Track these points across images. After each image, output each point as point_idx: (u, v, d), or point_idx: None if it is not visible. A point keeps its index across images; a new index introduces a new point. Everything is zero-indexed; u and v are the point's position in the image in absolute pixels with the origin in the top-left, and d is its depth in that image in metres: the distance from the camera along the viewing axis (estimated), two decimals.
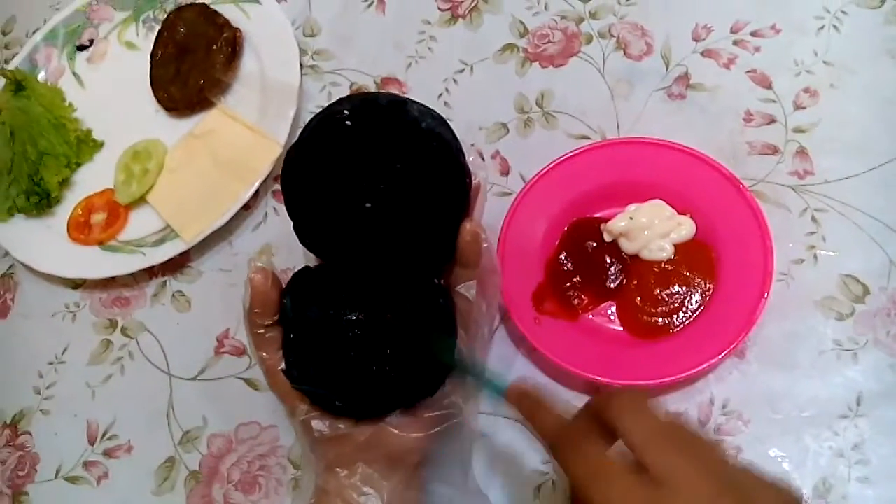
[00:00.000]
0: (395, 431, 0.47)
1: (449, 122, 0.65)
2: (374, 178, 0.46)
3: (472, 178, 0.50)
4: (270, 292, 0.49)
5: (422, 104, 0.50)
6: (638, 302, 0.58)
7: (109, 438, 0.65)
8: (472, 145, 0.51)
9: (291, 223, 0.50)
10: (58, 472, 0.65)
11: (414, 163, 0.46)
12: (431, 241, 0.49)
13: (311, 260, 0.54)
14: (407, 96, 0.49)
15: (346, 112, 0.48)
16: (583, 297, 0.59)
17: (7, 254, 0.74)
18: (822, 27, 0.65)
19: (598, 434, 0.39)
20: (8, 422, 0.68)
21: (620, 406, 0.39)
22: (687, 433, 0.39)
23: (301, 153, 0.49)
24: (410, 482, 0.49)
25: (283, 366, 0.49)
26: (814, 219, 0.59)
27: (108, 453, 0.65)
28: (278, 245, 0.68)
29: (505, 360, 0.59)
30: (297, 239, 0.53)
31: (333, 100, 0.73)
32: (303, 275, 0.49)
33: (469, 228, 0.48)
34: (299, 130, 0.70)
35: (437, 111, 0.50)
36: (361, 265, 0.48)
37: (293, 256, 0.65)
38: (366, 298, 0.47)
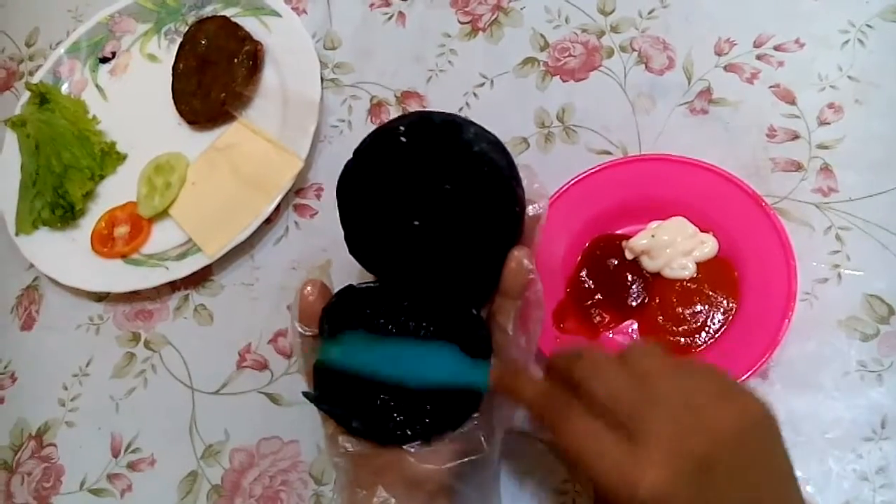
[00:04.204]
0: (412, 460, 0.46)
1: None
2: (423, 196, 0.46)
3: (531, 206, 0.48)
4: (316, 304, 0.49)
5: (481, 127, 0.49)
6: (660, 320, 0.58)
7: (133, 451, 0.66)
8: (537, 175, 0.50)
9: (343, 233, 0.50)
10: (82, 485, 0.66)
11: (462, 186, 0.46)
12: (474, 266, 0.48)
13: (325, 275, 0.53)
14: (466, 117, 0.49)
15: (401, 128, 0.47)
16: (604, 315, 0.59)
17: (32, 266, 0.75)
18: (847, 41, 0.64)
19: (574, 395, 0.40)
20: (34, 433, 0.69)
21: (582, 373, 0.40)
22: (648, 373, 0.40)
23: (356, 165, 0.49)
24: None
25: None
26: (838, 237, 0.58)
27: (131, 466, 0.65)
28: (300, 259, 0.69)
29: None
30: (318, 254, 0.54)
31: (353, 113, 0.74)
32: (345, 294, 0.49)
33: (516, 255, 0.47)
34: (319, 144, 0.72)
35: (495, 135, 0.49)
36: (403, 284, 0.48)
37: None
38: (400, 324, 0.47)
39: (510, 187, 0.47)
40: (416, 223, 0.45)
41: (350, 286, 0.49)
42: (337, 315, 0.48)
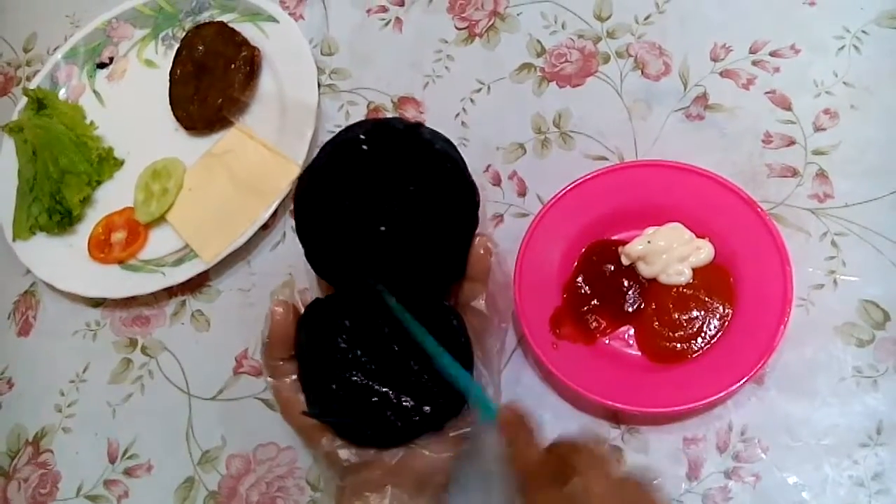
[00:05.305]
0: (426, 453, 0.47)
1: (466, 142, 0.66)
2: (390, 201, 0.46)
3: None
4: (289, 326, 0.50)
5: (430, 128, 0.50)
6: (656, 326, 0.58)
7: (130, 457, 0.66)
8: (489, 167, 0.52)
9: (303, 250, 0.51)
10: (79, 491, 0.66)
11: (428, 184, 0.47)
12: (445, 259, 0.49)
13: (293, 293, 0.54)
14: (416, 121, 0.50)
15: (361, 136, 0.48)
16: (600, 320, 0.59)
17: (29, 272, 0.75)
18: (843, 47, 0.64)
19: (561, 475, 0.42)
20: (30, 439, 0.69)
21: (580, 459, 0.42)
22: (633, 496, 0.41)
23: (316, 179, 0.49)
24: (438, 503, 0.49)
25: (303, 400, 0.49)
26: (834, 243, 0.58)
27: (128, 472, 0.65)
28: (296, 265, 0.68)
29: (522, 385, 0.59)
30: None
31: (350, 119, 0.74)
32: (316, 307, 0.49)
33: (482, 241, 0.50)
34: (317, 150, 0.72)
35: (450, 133, 0.51)
36: (373, 290, 0.48)
37: (311, 276, 0.65)
38: (381, 327, 0.47)
39: (470, 180, 0.50)
40: (385, 228, 0.46)
41: (318, 300, 0.50)
42: (315, 329, 0.48)
